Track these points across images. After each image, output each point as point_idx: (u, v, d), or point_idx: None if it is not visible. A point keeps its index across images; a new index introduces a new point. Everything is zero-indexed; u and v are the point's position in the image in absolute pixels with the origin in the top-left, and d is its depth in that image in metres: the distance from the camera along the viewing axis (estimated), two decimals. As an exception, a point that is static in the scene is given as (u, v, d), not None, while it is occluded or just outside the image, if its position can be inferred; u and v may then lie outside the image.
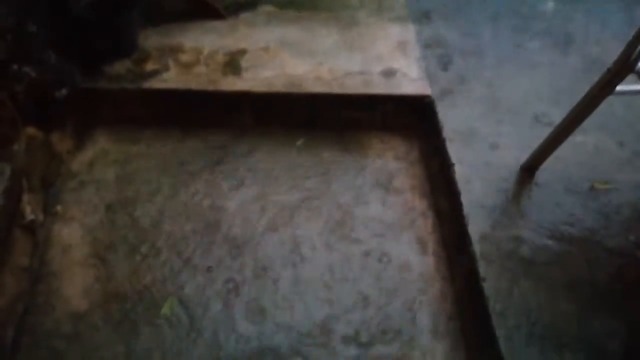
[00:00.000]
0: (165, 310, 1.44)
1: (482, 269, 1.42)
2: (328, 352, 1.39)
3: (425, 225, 1.67)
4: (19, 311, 1.41)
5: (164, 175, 1.72)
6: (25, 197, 1.50)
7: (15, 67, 1.53)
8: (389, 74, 1.91)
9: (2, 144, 1.41)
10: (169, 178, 1.72)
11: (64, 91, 1.68)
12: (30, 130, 1.58)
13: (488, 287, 1.39)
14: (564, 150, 1.57)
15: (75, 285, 1.47)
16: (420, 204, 1.72)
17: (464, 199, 1.57)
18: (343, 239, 1.62)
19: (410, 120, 1.90)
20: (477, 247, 1.46)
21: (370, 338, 1.43)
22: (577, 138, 1.62)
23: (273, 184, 1.73)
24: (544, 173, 1.64)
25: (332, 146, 1.86)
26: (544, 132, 1.58)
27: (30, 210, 1.51)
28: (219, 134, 1.85)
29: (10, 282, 1.40)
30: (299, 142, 1.86)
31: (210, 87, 1.81)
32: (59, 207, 1.62)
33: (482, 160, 1.68)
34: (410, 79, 1.90)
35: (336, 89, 1.85)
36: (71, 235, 1.57)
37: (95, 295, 1.46)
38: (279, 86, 1.84)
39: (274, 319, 1.44)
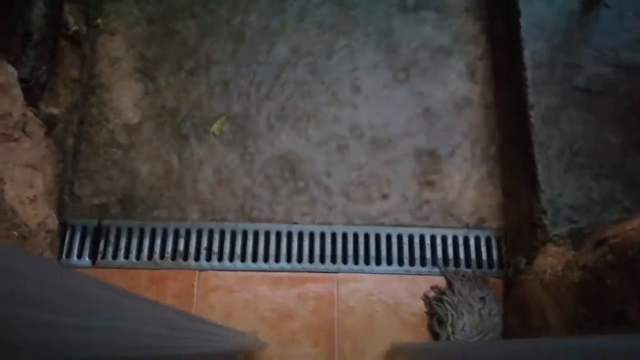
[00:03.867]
0: (214, 128, 1.49)
1: (532, 96, 1.38)
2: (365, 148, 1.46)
3: (476, 50, 1.59)
4: (75, 121, 1.49)
5: (203, -14, 1.64)
6: (66, 7, 1.47)
7: None
8: None
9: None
10: (209, -10, 1.63)
11: None
12: None
13: (535, 115, 1.36)
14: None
15: (125, 98, 1.52)
16: (473, 27, 1.61)
17: (523, 20, 1.45)
18: (386, 60, 1.57)
19: None
20: (529, 74, 1.40)
21: (406, 156, 1.47)
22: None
23: (314, 4, 1.62)
24: (616, -7, 1.48)
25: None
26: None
27: (73, 21, 1.49)
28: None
29: (64, 93, 1.46)
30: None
31: None
32: (99, 20, 1.60)
33: (549, -24, 1.51)
34: None
35: None
36: (116, 48, 1.57)
37: (145, 108, 1.51)
38: None
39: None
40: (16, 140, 1.22)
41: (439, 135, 1.51)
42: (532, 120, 1.35)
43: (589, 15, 1.47)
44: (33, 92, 1.29)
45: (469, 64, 1.57)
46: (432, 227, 1.44)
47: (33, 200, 1.25)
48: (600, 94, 1.39)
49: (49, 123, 1.36)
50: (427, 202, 1.45)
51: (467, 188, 1.46)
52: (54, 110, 1.38)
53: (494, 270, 1.41)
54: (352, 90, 1.54)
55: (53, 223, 1.34)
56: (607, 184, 1.28)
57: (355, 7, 1.62)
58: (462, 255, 1.42)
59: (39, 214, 1.28)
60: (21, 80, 1.23)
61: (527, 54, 1.42)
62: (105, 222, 1.42)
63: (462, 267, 1.40)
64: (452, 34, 1.60)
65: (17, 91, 1.22)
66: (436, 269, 1.40)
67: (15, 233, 1.17)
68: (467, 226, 1.44)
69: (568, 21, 1.47)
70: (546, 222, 1.26)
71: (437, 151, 1.49)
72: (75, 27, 1.50)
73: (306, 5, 1.62)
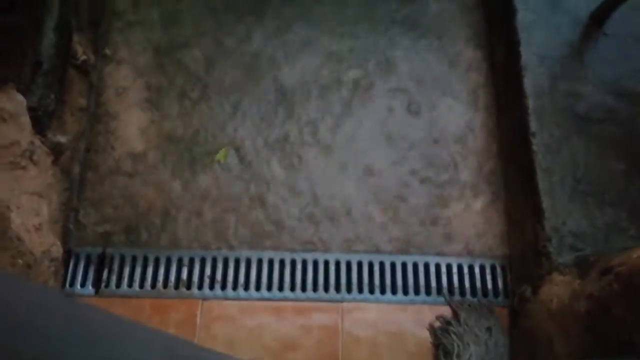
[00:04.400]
0: (219, 156, 1.50)
1: (533, 123, 1.39)
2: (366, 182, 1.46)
3: (478, 77, 1.61)
4: (81, 149, 1.51)
5: (208, 17, 1.67)
6: (76, 37, 1.51)
7: None
8: None
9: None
10: (214, 21, 1.67)
11: None
12: (72, -34, 1.53)
13: (537, 142, 1.37)
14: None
15: (131, 127, 1.54)
16: (475, 55, 1.64)
17: (523, 48, 1.48)
18: (389, 89, 1.59)
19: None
20: (531, 101, 1.41)
21: (409, 184, 1.48)
22: (661, -17, 1.44)
23: (320, 31, 1.66)
24: (615, 23, 1.50)
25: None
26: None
27: (81, 51, 1.52)
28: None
29: (71, 121, 1.48)
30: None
31: None
32: (107, 50, 1.63)
33: (548, 5, 1.54)
34: None
35: None
36: (123, 77, 1.60)
37: (150, 136, 1.53)
38: None
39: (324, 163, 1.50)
40: (23, 168, 1.24)
41: (441, 162, 1.51)
42: (535, 147, 1.36)
43: (589, 44, 1.49)
44: (41, 121, 1.31)
45: (471, 92, 1.59)
46: (437, 255, 1.43)
47: (38, 228, 1.26)
48: (602, 121, 1.39)
49: (56, 151, 1.37)
50: (431, 229, 1.45)
51: (471, 215, 1.46)
52: (61, 139, 1.39)
53: (500, 299, 1.39)
54: (357, 117, 1.56)
55: (57, 251, 1.34)
56: (611, 211, 1.28)
57: (358, 38, 1.64)
58: (467, 283, 1.41)
59: (44, 242, 1.28)
60: (30, 109, 1.25)
61: (527, 82, 1.43)
62: (109, 250, 1.42)
63: (468, 296, 1.39)
64: (454, 61, 1.62)
65: (26, 119, 1.24)
66: (441, 299, 1.39)
67: (20, 261, 1.17)
68: (471, 254, 1.44)
69: (568, 49, 1.49)
70: (551, 250, 1.25)
71: (440, 178, 1.50)
72: (83, 57, 1.53)
73: (310, 35, 1.65)
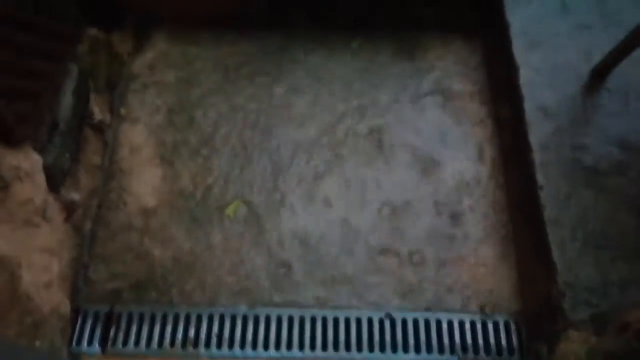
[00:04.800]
0: (229, 211, 1.52)
1: (541, 176, 1.40)
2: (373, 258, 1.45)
3: (484, 132, 1.63)
4: (94, 206, 1.53)
5: (222, 79, 1.74)
6: (93, 98, 1.56)
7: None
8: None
9: (68, 43, 1.44)
10: (227, 82, 1.73)
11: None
12: (93, 31, 1.61)
13: (545, 195, 1.37)
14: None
15: (144, 183, 1.57)
16: (480, 111, 1.67)
17: (527, 104, 1.50)
18: (396, 145, 1.61)
19: (474, 19, 1.79)
20: (537, 155, 1.42)
21: (419, 239, 1.47)
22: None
23: (328, 90, 1.71)
24: (616, 78, 1.53)
25: (389, 48, 1.79)
26: (621, 35, 1.45)
27: (98, 111, 1.58)
28: (275, 37, 1.81)
29: (85, 179, 1.51)
30: (355, 44, 1.80)
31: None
32: (123, 110, 1.69)
33: (550, 64, 1.58)
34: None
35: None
36: (137, 136, 1.64)
37: (162, 193, 1.55)
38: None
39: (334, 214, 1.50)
40: (37, 226, 1.26)
41: (450, 217, 1.51)
42: (543, 201, 1.36)
43: (592, 99, 1.52)
44: (56, 179, 1.34)
45: (478, 147, 1.61)
46: (449, 311, 1.41)
47: (48, 285, 1.27)
48: (610, 174, 1.40)
49: (69, 208, 1.40)
50: (442, 285, 1.43)
51: (482, 271, 1.44)
52: (75, 196, 1.42)
53: (515, 357, 1.35)
54: (366, 173, 1.57)
55: (66, 309, 1.34)
56: (624, 266, 1.26)
57: (364, 95, 1.69)
58: (481, 341, 1.37)
59: (53, 300, 1.28)
60: (45, 167, 1.29)
61: (533, 136, 1.45)
62: (118, 307, 1.41)
63: (482, 355, 1.35)
64: (460, 117, 1.65)
65: (41, 178, 1.27)
66: (455, 358, 1.35)
67: (28, 320, 1.17)
68: (483, 310, 1.41)
69: (572, 104, 1.51)
70: (565, 306, 1.23)
71: (449, 233, 1.49)
72: (100, 117, 1.58)
73: (319, 94, 1.70)
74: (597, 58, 1.53)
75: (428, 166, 1.58)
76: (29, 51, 1.27)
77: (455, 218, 1.51)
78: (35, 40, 1.29)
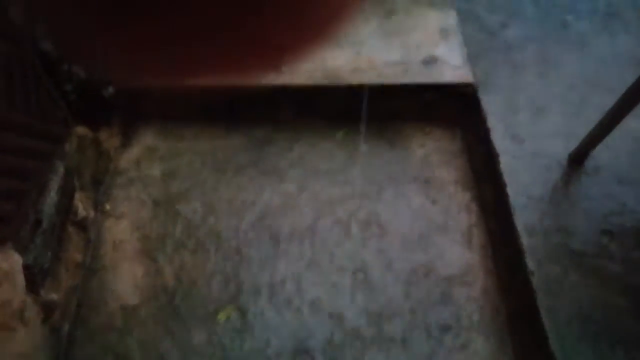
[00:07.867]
0: (221, 316, 1.46)
1: (530, 262, 1.39)
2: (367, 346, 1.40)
3: (469, 218, 1.64)
4: (73, 305, 1.47)
5: (208, 171, 1.75)
6: (77, 195, 1.56)
7: (65, 67, 1.57)
8: (429, 62, 1.87)
9: (55, 143, 1.46)
10: (213, 174, 1.75)
11: (110, 89, 1.72)
12: (80, 129, 1.64)
13: (537, 281, 1.36)
14: (616, 137, 1.51)
15: (126, 280, 1.52)
16: (463, 197, 1.69)
17: (510, 190, 1.53)
18: (382, 234, 1.61)
19: (453, 109, 1.87)
20: (524, 240, 1.43)
21: (410, 331, 1.43)
22: (630, 124, 1.55)
23: (314, 179, 1.73)
24: (593, 161, 1.59)
25: (373, 138, 1.85)
26: (594, 119, 1.52)
27: (82, 208, 1.56)
28: (260, 130, 1.86)
29: (65, 277, 1.47)
30: (339, 135, 1.85)
31: (252, 82, 1.82)
32: (107, 205, 1.68)
33: (528, 150, 1.63)
34: (451, 67, 1.86)
35: (375, 80, 1.83)
36: (121, 231, 1.62)
37: (144, 289, 1.50)
38: (318, 78, 1.83)
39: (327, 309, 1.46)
40: (12, 329, 1.20)
41: (441, 306, 1.47)
42: (535, 287, 1.34)
43: (572, 183, 1.55)
44: (35, 279, 1.30)
45: (465, 232, 1.61)
46: (447, 407, 1.33)
47: (20, 395, 1.18)
48: (599, 257, 1.40)
49: (47, 309, 1.34)
50: (438, 378, 1.37)
51: (478, 361, 1.39)
52: (54, 296, 1.37)
53: None
54: (354, 262, 1.55)
55: (38, 420, 1.24)
56: (622, 351, 1.22)
57: (349, 185, 1.71)
58: None
59: (24, 411, 1.19)
60: (25, 267, 1.25)
61: (518, 221, 1.46)
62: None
63: None
64: (444, 204, 1.67)
65: (20, 278, 1.23)
66: None
67: None
68: (484, 405, 1.34)
69: (552, 189, 1.55)
70: (568, 399, 1.18)
71: (442, 322, 1.45)
72: (83, 213, 1.57)
73: (305, 182, 1.71)
74: (573, 143, 1.59)
75: (414, 255, 1.57)
76: (16, 151, 1.27)
77: (446, 306, 1.47)
78: (24, 140, 1.31)
